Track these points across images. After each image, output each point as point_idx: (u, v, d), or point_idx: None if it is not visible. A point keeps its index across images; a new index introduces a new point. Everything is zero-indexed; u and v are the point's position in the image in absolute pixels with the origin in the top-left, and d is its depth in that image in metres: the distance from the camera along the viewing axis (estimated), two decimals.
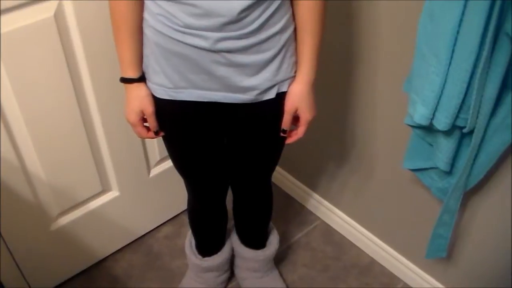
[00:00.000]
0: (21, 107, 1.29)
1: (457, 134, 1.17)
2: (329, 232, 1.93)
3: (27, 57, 1.24)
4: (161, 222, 1.94)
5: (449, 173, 1.26)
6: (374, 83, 1.47)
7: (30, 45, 1.23)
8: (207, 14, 0.98)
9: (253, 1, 0.98)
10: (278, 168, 2.07)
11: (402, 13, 1.29)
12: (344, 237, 1.91)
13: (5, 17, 1.17)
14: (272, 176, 1.45)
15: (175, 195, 1.81)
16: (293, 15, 1.10)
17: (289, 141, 1.25)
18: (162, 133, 1.23)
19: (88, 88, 1.40)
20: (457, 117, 1.11)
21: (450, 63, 1.06)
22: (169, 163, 1.75)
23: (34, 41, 1.23)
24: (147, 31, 1.08)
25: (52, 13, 1.23)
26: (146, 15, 1.07)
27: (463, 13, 1.01)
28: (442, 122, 1.11)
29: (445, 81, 1.07)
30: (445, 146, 1.18)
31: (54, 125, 1.38)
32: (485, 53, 1.01)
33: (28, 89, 1.28)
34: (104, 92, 1.42)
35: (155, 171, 1.76)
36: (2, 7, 1.15)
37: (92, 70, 1.37)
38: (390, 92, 1.44)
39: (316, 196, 1.97)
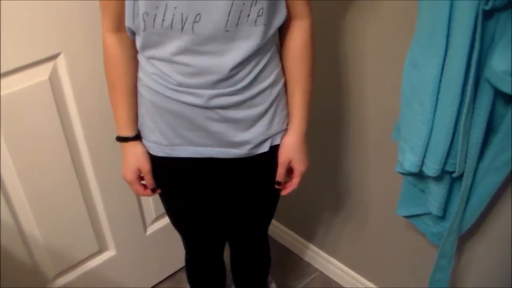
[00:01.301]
0: (17, 168, 1.32)
1: (447, 179, 1.19)
2: (328, 283, 1.92)
3: (23, 119, 1.27)
4: (160, 280, 1.92)
5: (442, 217, 1.27)
6: (366, 132, 1.51)
7: (25, 107, 1.27)
8: (199, 72, 1.02)
9: (243, 59, 1.02)
10: (273, 221, 2.06)
11: (390, 62, 1.33)
12: (343, 287, 1.89)
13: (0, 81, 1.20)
14: (269, 229, 1.46)
15: (172, 253, 1.80)
16: (283, 69, 1.14)
17: (284, 193, 1.27)
18: (159, 190, 1.25)
19: (83, 148, 1.43)
20: (445, 162, 1.13)
21: (435, 110, 1.09)
22: (165, 221, 1.75)
23: (30, 103, 1.27)
24: (142, 90, 1.12)
25: (47, 76, 1.27)
26: (140, 74, 1.11)
27: (444, 61, 1.05)
28: (431, 168, 1.13)
29: (432, 128, 1.10)
30: (436, 191, 1.20)
31: (50, 185, 1.40)
32: (467, 99, 1.04)
33: (24, 150, 1.31)
34: (99, 151, 1.45)
35: (151, 229, 1.76)
36: None
37: (87, 131, 1.40)
38: (381, 141, 1.47)
39: (313, 247, 1.97)
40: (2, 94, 1.21)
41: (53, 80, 1.28)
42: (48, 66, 1.26)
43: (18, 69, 1.22)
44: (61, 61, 1.27)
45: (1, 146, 1.27)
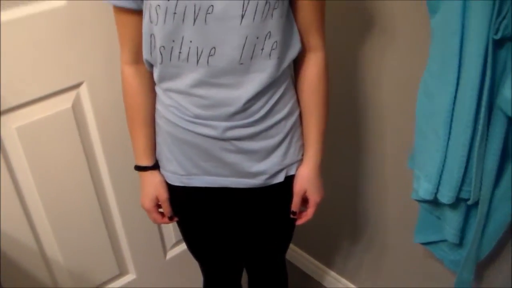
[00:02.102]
0: (40, 194, 1.35)
1: (463, 206, 1.19)
2: None
3: (46, 146, 1.31)
4: None
5: (459, 245, 1.26)
6: (383, 159, 1.51)
7: (49, 134, 1.31)
8: (214, 105, 1.05)
9: (258, 91, 1.04)
10: (293, 246, 2.07)
11: (406, 91, 1.34)
12: None
13: (25, 110, 1.25)
14: (287, 254, 1.46)
15: (192, 277, 1.81)
16: (298, 100, 1.16)
17: (299, 222, 1.28)
18: (176, 219, 1.27)
19: (104, 175, 1.46)
20: (460, 190, 1.13)
21: (448, 138, 1.10)
22: (184, 246, 1.75)
23: (53, 131, 1.31)
24: (159, 121, 1.15)
25: (70, 104, 1.31)
26: (158, 106, 1.14)
27: (456, 90, 1.06)
28: (446, 196, 1.14)
29: (446, 156, 1.11)
30: (452, 218, 1.20)
31: (72, 209, 1.43)
32: (480, 127, 1.05)
33: (47, 176, 1.35)
34: (120, 178, 1.48)
35: (171, 253, 1.78)
36: (23, 100, 1.24)
37: (108, 157, 1.44)
38: (398, 168, 1.47)
39: (332, 273, 1.96)
40: (26, 122, 1.26)
41: (76, 108, 1.32)
42: (71, 95, 1.31)
43: (43, 98, 1.27)
44: (83, 90, 1.32)
45: (25, 173, 1.31)
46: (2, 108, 1.21)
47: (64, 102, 1.30)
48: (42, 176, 1.34)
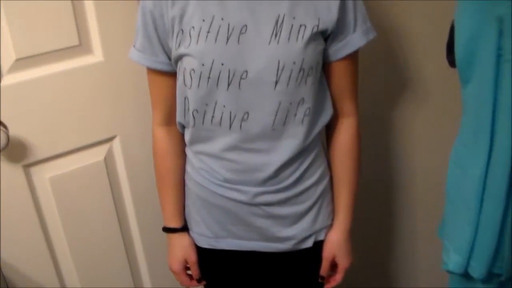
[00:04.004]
0: (69, 243, 1.37)
1: (496, 280, 1.15)
2: None
3: (78, 197, 1.33)
4: None
5: None
6: (414, 225, 1.49)
7: (80, 186, 1.33)
8: (245, 170, 1.05)
9: (289, 157, 1.04)
10: None
11: (438, 156, 1.33)
12: None
13: (59, 161, 1.28)
14: None
15: None
16: (329, 165, 1.16)
17: (327, 287, 1.25)
18: (204, 282, 1.26)
19: (134, 229, 1.47)
20: (493, 265, 1.10)
21: (480, 211, 1.08)
22: None
23: (85, 182, 1.33)
24: (189, 183, 1.16)
25: (102, 157, 1.33)
26: (188, 168, 1.15)
27: (488, 162, 1.04)
28: (477, 270, 1.10)
29: (477, 230, 1.08)
30: None
31: (100, 261, 1.44)
32: None
33: (77, 228, 1.36)
34: (149, 233, 1.48)
35: None
36: (57, 151, 1.27)
37: (138, 211, 1.44)
38: (429, 235, 1.44)
39: None
40: (59, 172, 1.29)
41: (108, 161, 1.35)
42: (104, 148, 1.33)
43: (76, 150, 1.30)
44: (116, 144, 1.34)
45: (55, 222, 1.33)
46: (38, 158, 1.24)
47: (97, 155, 1.33)
48: (72, 226, 1.35)
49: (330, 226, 1.18)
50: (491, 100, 1.01)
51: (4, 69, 1.15)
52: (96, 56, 1.25)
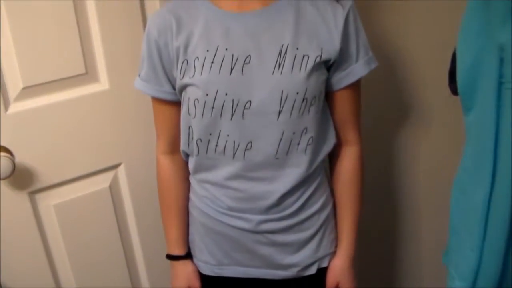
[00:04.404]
0: (73, 269, 1.36)
1: None
2: None
3: (83, 224, 1.33)
4: None
5: None
6: (419, 252, 1.49)
7: (85, 212, 1.33)
8: (249, 198, 1.06)
9: (292, 186, 1.05)
10: None
11: (443, 183, 1.33)
12: None
13: (64, 188, 1.29)
14: None
15: None
16: (332, 193, 1.16)
17: None
18: None
19: (138, 255, 1.46)
20: None
21: (484, 238, 1.08)
22: None
23: (90, 209, 1.33)
24: (193, 211, 1.17)
25: (107, 184, 1.34)
26: (192, 196, 1.16)
27: (491, 190, 1.05)
28: None
29: (481, 257, 1.08)
30: None
31: None
32: None
33: (80, 253, 1.36)
34: (154, 260, 1.47)
35: None
36: (63, 178, 1.28)
37: (143, 238, 1.44)
38: (434, 262, 1.44)
39: None
40: (64, 199, 1.29)
41: (113, 188, 1.35)
42: (109, 175, 1.34)
43: (82, 177, 1.30)
44: (121, 171, 1.35)
45: (60, 249, 1.33)
46: (43, 185, 1.25)
47: (102, 182, 1.34)
48: (76, 253, 1.35)
49: (333, 253, 1.18)
50: (493, 127, 1.01)
51: (12, 97, 1.17)
52: (102, 84, 1.26)
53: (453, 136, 1.22)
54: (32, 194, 1.25)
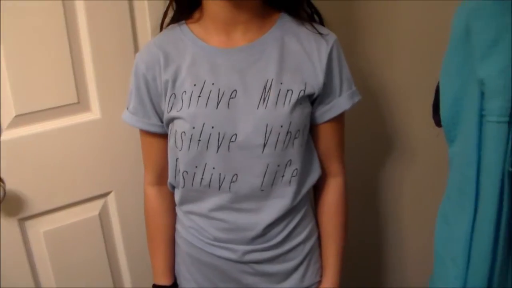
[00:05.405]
0: None
1: None
2: None
3: (71, 251, 1.34)
4: None
5: None
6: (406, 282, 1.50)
7: (74, 240, 1.33)
8: (234, 229, 1.07)
9: (278, 217, 1.06)
10: None
11: (428, 213, 1.35)
12: None
13: (54, 215, 1.29)
14: None
15: None
16: (317, 223, 1.18)
17: None
18: None
19: (127, 283, 1.46)
20: None
21: (467, 267, 1.09)
22: None
23: (79, 236, 1.34)
24: (179, 241, 1.17)
25: (97, 212, 1.35)
26: (178, 226, 1.17)
27: (474, 219, 1.06)
28: None
29: (465, 286, 1.09)
30: None
31: None
32: (499, 258, 1.04)
33: (68, 279, 1.36)
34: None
35: None
36: (53, 206, 1.28)
37: (132, 269, 1.45)
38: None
39: None
40: (54, 227, 1.30)
41: (103, 216, 1.36)
42: (99, 203, 1.35)
43: (72, 204, 1.31)
44: (111, 199, 1.36)
45: (48, 275, 1.33)
46: (33, 212, 1.26)
47: (92, 210, 1.35)
48: (65, 281, 1.36)
49: (318, 283, 1.19)
50: (475, 158, 1.03)
51: (4, 124, 1.19)
52: (94, 113, 1.28)
53: (438, 168, 1.24)
54: (22, 221, 1.26)
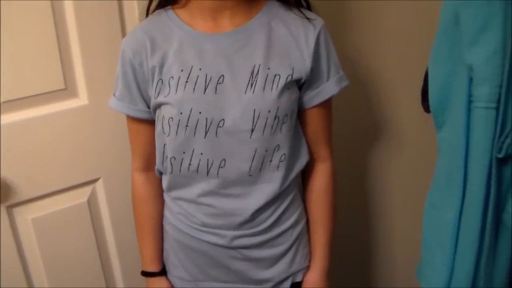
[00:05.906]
0: (51, 286, 1.36)
1: None
2: None
3: (60, 238, 1.34)
4: None
5: None
6: (393, 271, 1.50)
7: (63, 226, 1.33)
8: (223, 214, 1.07)
9: (266, 202, 1.07)
10: None
11: (416, 199, 1.36)
12: None
13: (42, 202, 1.29)
14: None
15: None
16: (305, 209, 1.18)
17: None
18: None
19: (117, 272, 1.46)
20: None
21: (455, 252, 1.10)
22: None
23: (68, 223, 1.33)
24: (167, 227, 1.17)
25: (86, 198, 1.35)
26: (166, 212, 1.17)
27: (462, 205, 1.07)
28: None
29: (452, 271, 1.10)
30: None
31: None
32: (487, 243, 1.05)
33: (58, 266, 1.36)
34: (133, 276, 1.44)
35: None
36: (41, 192, 1.28)
37: (121, 255, 1.45)
38: (407, 279, 1.46)
39: None
40: (42, 214, 1.29)
41: (91, 203, 1.36)
42: (88, 190, 1.35)
43: (60, 191, 1.31)
44: (100, 186, 1.36)
45: (37, 263, 1.33)
46: (21, 199, 1.25)
47: (80, 196, 1.34)
48: (54, 268, 1.35)
49: (307, 268, 1.20)
50: (464, 144, 1.03)
51: None
52: (82, 99, 1.27)
53: (426, 154, 1.24)
54: (10, 208, 1.25)
